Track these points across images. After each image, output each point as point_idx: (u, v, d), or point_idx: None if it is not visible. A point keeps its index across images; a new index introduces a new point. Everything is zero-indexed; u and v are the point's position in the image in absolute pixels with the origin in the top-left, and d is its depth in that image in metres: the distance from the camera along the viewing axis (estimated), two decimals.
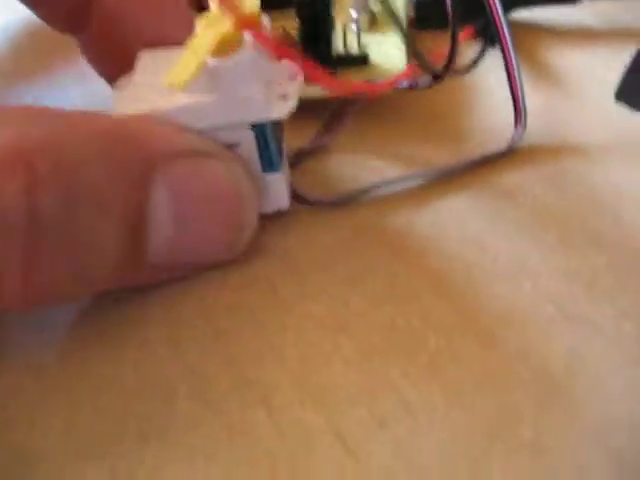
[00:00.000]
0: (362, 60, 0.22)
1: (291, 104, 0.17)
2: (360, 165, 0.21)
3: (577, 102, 0.22)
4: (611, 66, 0.23)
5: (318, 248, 0.18)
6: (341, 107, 0.21)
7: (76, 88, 0.25)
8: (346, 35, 0.23)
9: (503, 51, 0.21)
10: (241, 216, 0.17)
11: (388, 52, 0.23)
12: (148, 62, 0.18)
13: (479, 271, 0.17)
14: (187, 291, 0.17)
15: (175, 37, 0.18)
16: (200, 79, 0.16)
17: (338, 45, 0.22)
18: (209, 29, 0.16)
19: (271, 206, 0.18)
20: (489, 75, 0.24)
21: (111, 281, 0.15)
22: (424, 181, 0.20)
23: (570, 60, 0.24)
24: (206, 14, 0.16)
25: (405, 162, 0.21)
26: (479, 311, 0.16)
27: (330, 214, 0.19)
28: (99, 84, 0.20)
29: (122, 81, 0.18)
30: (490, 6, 0.20)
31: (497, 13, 0.20)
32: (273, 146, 0.17)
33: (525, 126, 0.21)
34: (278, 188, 0.18)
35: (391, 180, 0.20)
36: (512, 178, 0.20)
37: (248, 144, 0.17)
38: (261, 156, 0.17)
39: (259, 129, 0.17)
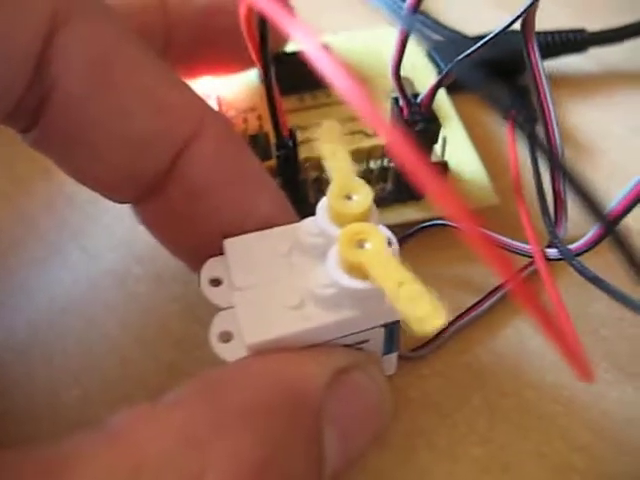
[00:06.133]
0: (442, 168, 0.20)
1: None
2: None
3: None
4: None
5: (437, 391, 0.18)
6: None
7: None
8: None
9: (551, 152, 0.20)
10: (385, 419, 0.16)
11: (456, 153, 0.21)
12: (239, 255, 0.16)
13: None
14: None
15: (260, 214, 0.16)
16: (345, 299, 0.15)
17: None
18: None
19: None
20: None
21: None
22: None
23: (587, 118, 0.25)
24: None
25: (464, 286, 0.20)
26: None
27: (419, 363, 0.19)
28: None
29: (214, 268, 0.16)
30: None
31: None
32: (397, 333, 0.16)
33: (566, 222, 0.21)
34: (390, 362, 0.17)
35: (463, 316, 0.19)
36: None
37: (377, 339, 0.16)
38: (385, 344, 0.16)
39: (391, 324, 0.16)
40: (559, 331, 0.09)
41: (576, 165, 0.23)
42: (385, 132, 0.09)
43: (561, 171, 0.09)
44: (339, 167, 0.15)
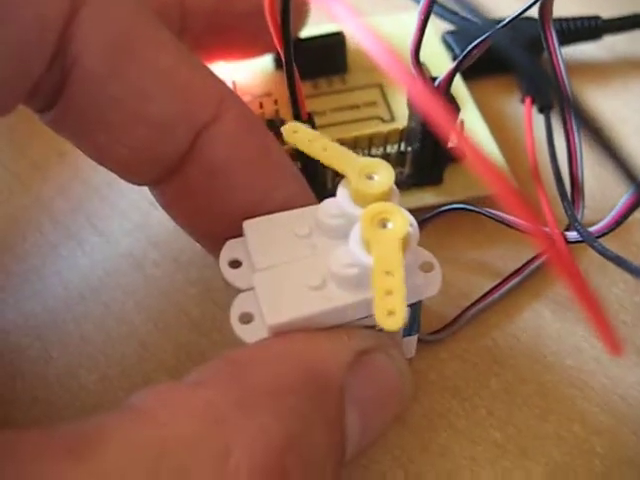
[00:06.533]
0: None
1: (439, 274, 0.16)
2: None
3: None
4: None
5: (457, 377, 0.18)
6: None
7: None
8: None
9: (567, 134, 0.20)
10: (405, 401, 0.16)
11: (473, 137, 0.21)
12: (259, 236, 0.16)
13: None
14: None
15: (280, 196, 0.16)
16: (367, 279, 0.14)
17: None
18: (380, 234, 0.14)
19: None
20: None
21: None
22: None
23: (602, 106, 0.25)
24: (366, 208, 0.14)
25: (482, 270, 0.20)
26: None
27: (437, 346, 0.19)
28: None
29: (233, 250, 0.16)
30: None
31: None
32: (418, 315, 0.16)
33: (583, 206, 0.21)
34: (410, 344, 0.17)
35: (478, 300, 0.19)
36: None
37: None
38: (406, 327, 0.16)
39: (412, 305, 0.16)
40: (593, 301, 0.09)
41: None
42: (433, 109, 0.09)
43: (598, 135, 0.09)
44: (332, 155, 0.15)
